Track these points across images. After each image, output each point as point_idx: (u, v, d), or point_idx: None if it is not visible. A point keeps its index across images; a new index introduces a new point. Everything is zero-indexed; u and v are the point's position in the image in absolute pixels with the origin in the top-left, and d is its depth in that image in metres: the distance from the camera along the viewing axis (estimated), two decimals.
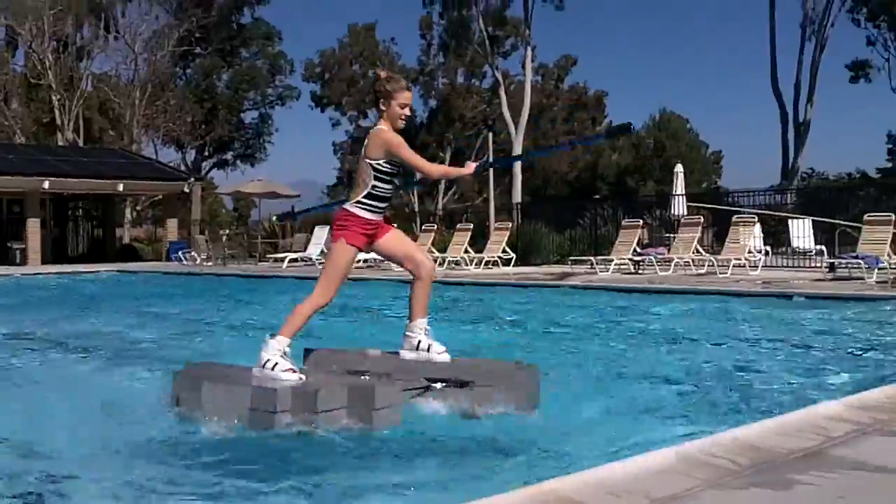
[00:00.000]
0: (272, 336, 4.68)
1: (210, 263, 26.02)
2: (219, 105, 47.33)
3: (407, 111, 4.89)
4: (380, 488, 3.60)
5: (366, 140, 4.90)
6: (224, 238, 28.69)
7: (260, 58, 49.94)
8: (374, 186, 4.80)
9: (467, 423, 4.51)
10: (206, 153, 49.94)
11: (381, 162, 4.79)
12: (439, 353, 5.00)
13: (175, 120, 43.17)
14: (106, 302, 14.90)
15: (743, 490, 3.01)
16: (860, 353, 7.42)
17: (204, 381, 4.63)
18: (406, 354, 5.06)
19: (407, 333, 5.09)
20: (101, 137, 44.48)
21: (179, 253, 27.88)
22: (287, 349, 4.65)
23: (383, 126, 4.86)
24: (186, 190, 31.62)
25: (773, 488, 3.02)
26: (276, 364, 4.59)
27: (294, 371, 4.60)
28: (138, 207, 45.71)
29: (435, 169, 5.26)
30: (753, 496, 2.95)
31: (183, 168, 43.00)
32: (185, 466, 3.94)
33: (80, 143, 41.49)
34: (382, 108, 4.89)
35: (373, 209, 4.83)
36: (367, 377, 4.73)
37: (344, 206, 4.87)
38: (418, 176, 5.07)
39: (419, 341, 5.03)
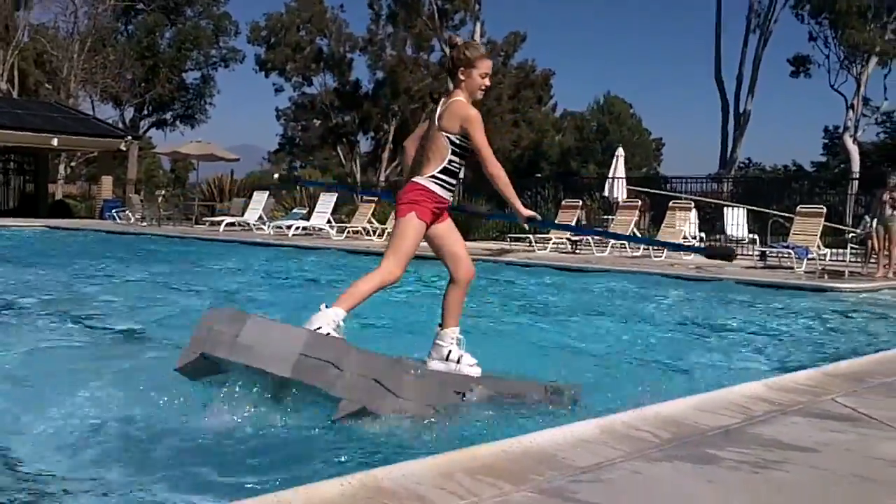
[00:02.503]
0: (328, 306, 4.18)
1: (144, 224, 25.56)
2: (160, 63, 46.21)
3: (487, 81, 4.48)
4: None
5: (439, 108, 4.48)
6: (160, 199, 28.17)
7: (204, 17, 48.88)
8: (450, 161, 4.39)
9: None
10: (145, 112, 48.80)
11: (459, 136, 4.37)
12: (470, 366, 4.56)
13: (114, 76, 42.05)
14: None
15: (664, 462, 3.06)
16: (777, 337, 7.61)
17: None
18: (435, 364, 4.59)
19: (437, 342, 4.62)
20: (37, 90, 43.18)
21: (113, 212, 27.34)
22: (341, 323, 4.17)
23: (461, 97, 4.43)
24: (123, 148, 30.95)
25: (693, 461, 3.08)
26: (329, 334, 4.12)
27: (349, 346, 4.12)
28: (72, 163, 44.57)
29: (498, 170, 4.41)
30: (674, 468, 3.00)
31: (120, 126, 41.99)
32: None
33: (15, 95, 40.21)
34: (461, 77, 4.45)
35: (446, 185, 4.43)
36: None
37: (415, 181, 4.43)
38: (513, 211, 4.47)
39: (450, 352, 4.58)
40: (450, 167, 4.41)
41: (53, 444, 3.72)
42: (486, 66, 4.47)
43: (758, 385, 4.31)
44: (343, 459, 3.49)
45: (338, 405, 3.73)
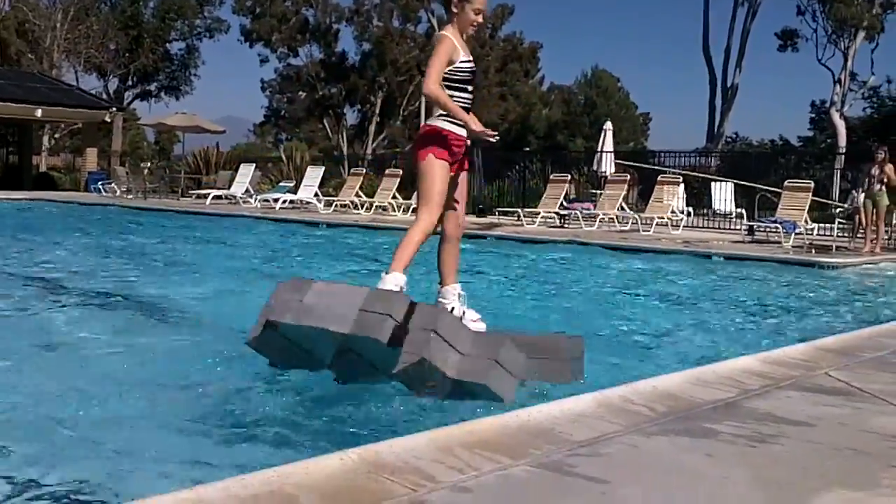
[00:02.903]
0: (387, 272, 4.28)
1: (130, 196, 25.37)
2: (144, 34, 45.68)
3: (480, 18, 4.46)
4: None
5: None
6: (146, 171, 27.95)
7: None
8: (449, 96, 4.38)
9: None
10: (130, 83, 48.31)
11: (448, 69, 4.38)
12: (473, 322, 4.51)
13: (98, 46, 41.57)
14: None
15: (661, 436, 3.06)
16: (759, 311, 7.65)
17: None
18: None
19: (439, 300, 4.57)
20: (19, 61, 42.59)
21: (99, 184, 27.11)
22: (403, 285, 4.25)
23: (447, 31, 4.43)
24: (108, 119, 30.62)
25: (690, 435, 3.09)
26: None
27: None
28: (56, 135, 44.11)
29: (435, 90, 4.33)
30: (671, 442, 3.01)
31: (104, 97, 41.55)
32: None
33: None
34: (454, 10, 4.45)
35: (454, 121, 4.41)
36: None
37: (426, 123, 4.51)
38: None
39: (452, 308, 4.52)
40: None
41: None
42: (479, 2, 4.43)
43: (751, 359, 4.32)
44: (344, 433, 3.49)
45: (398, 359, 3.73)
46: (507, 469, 2.63)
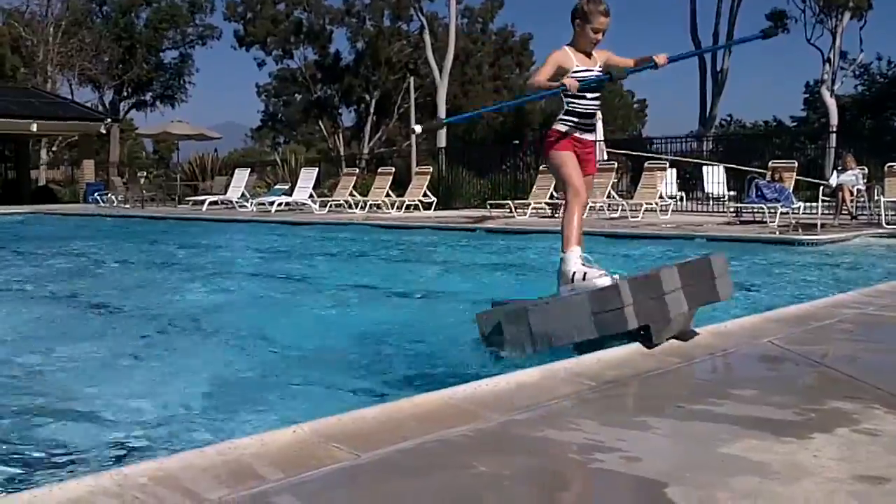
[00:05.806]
0: (563, 252, 4.72)
1: (128, 206, 25.66)
2: (137, 44, 45.96)
3: (600, 36, 4.81)
4: None
5: None
6: (143, 180, 28.25)
7: None
8: (568, 103, 4.84)
9: None
10: (125, 93, 48.59)
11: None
12: (599, 277, 4.68)
13: (91, 59, 41.86)
14: None
15: (604, 398, 3.30)
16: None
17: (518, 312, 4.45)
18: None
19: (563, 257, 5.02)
20: (14, 76, 42.93)
21: (96, 195, 27.41)
22: (583, 255, 4.69)
23: (565, 46, 4.85)
24: (104, 131, 30.91)
25: (625, 398, 3.33)
26: (585, 273, 4.59)
27: (605, 274, 4.58)
28: (54, 148, 44.45)
29: (530, 80, 4.94)
30: (615, 400, 3.25)
31: (100, 109, 41.84)
32: None
33: None
34: (576, 27, 4.84)
35: (572, 124, 4.87)
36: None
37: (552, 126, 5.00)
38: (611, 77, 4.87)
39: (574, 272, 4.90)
40: (568, 108, 4.85)
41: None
42: (599, 21, 4.78)
43: (700, 331, 4.54)
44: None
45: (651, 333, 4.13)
46: (447, 434, 2.87)
